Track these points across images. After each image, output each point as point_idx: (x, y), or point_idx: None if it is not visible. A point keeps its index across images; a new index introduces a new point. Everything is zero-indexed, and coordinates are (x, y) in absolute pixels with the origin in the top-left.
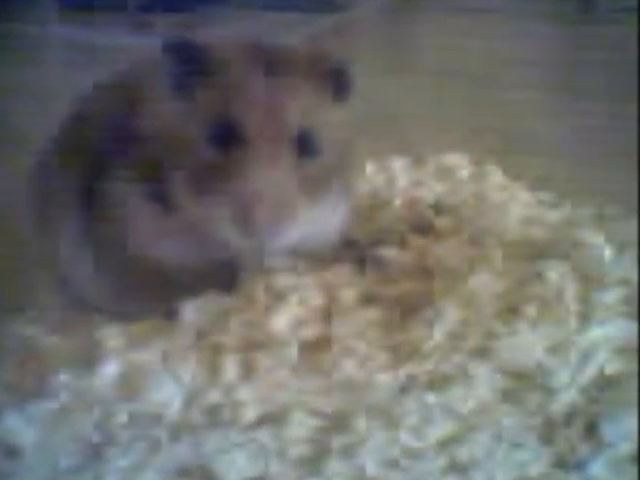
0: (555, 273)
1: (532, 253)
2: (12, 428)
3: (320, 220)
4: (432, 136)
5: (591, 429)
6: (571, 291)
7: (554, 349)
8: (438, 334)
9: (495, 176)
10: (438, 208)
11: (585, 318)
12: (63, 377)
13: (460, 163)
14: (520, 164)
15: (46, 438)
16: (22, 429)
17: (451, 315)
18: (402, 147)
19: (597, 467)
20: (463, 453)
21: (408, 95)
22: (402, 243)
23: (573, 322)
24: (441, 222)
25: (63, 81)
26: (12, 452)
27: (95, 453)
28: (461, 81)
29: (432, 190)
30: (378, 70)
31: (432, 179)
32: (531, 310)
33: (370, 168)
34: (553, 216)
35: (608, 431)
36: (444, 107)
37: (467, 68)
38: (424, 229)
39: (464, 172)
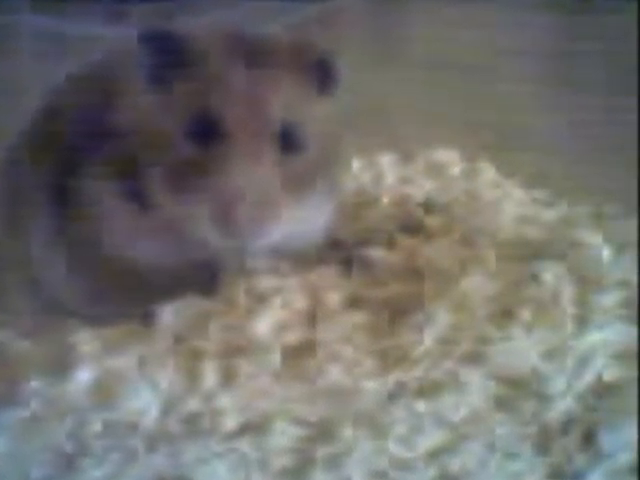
0: (551, 274)
1: (527, 254)
2: None
3: (304, 219)
4: (422, 131)
5: (589, 438)
6: (568, 293)
7: (550, 354)
8: (428, 339)
9: (488, 173)
10: (428, 206)
11: (582, 322)
12: (34, 384)
13: (451, 159)
14: (514, 160)
15: (16, 448)
16: None
17: (442, 319)
18: (390, 142)
19: (595, 478)
20: (455, 464)
21: (397, 88)
22: (390, 243)
23: (570, 326)
24: (431, 221)
25: (35, 73)
26: None
27: (68, 463)
28: (452, 73)
29: (422, 187)
30: (365, 62)
31: (422, 176)
32: (526, 313)
33: (357, 164)
34: (549, 215)
35: (607, 440)
36: (435, 101)
37: (459, 59)
38: (413, 228)
39: (455, 169)
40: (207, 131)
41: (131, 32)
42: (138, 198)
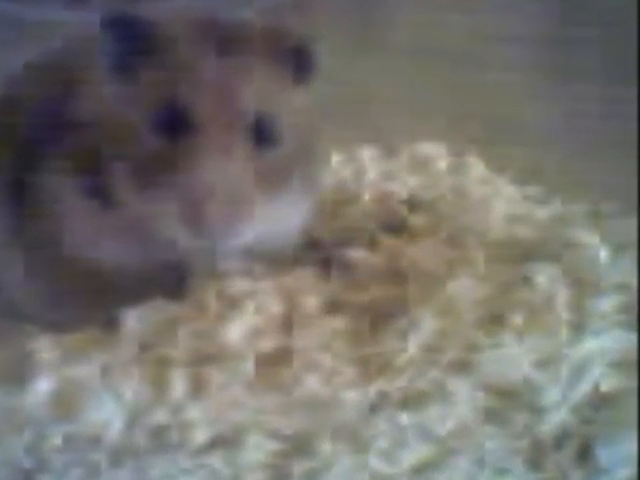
0: (544, 277)
1: (518, 255)
2: None
3: (280, 217)
4: (406, 123)
5: (585, 453)
6: (562, 297)
7: (543, 363)
8: (412, 346)
9: (476, 168)
10: (412, 204)
11: (578, 328)
12: None
13: (437, 153)
14: (505, 155)
15: None
16: None
17: (427, 325)
18: (372, 135)
19: None
20: (440, 479)
21: (379, 77)
22: (372, 243)
23: (564, 332)
24: (416, 220)
25: None
26: None
27: (27, 479)
28: (439, 61)
29: (406, 184)
30: (346, 48)
31: (406, 171)
32: (517, 319)
33: (336, 159)
34: (542, 213)
35: (604, 455)
36: (420, 90)
37: (446, 46)
38: (396, 228)
39: (442, 164)
40: (175, 123)
41: (93, 17)
42: (101, 195)
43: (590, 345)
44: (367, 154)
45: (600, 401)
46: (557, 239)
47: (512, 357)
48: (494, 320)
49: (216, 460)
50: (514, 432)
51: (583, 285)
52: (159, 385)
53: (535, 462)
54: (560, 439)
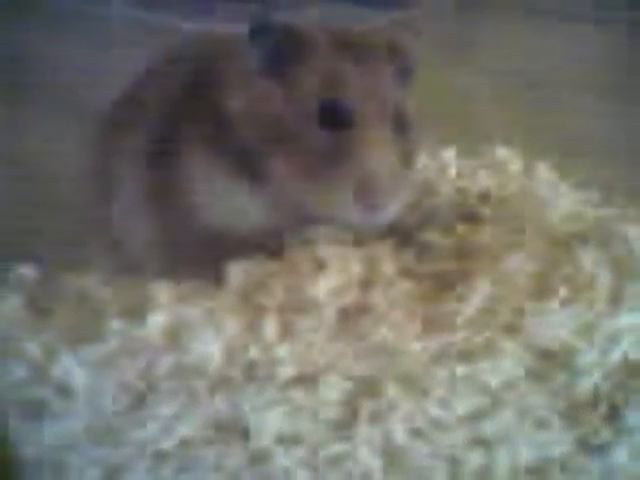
0: (590, 260)
1: (570, 242)
2: (66, 369)
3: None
4: (485, 130)
5: (614, 414)
6: (604, 278)
7: (581, 331)
8: (470, 308)
9: (544, 174)
10: (485, 199)
11: (615, 304)
12: (115, 323)
13: (511, 158)
14: (571, 164)
15: (96, 381)
16: (75, 370)
17: (483, 291)
18: (454, 138)
19: (619, 453)
20: (488, 428)
21: (464, 91)
22: (446, 229)
23: (602, 306)
24: (487, 212)
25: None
26: (66, 391)
27: (139, 400)
28: (518, 80)
29: (481, 181)
30: (438, 62)
31: (482, 170)
32: (562, 291)
33: (424, 156)
34: (597, 213)
35: (631, 417)
36: (502, 105)
37: (525, 67)
38: (470, 218)
39: (514, 167)
40: (339, 120)
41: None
42: (251, 176)
43: (623, 319)
44: (450, 154)
45: (629, 370)
46: (606, 232)
47: (555, 323)
48: (542, 291)
49: (298, 395)
50: (553, 390)
51: (623, 270)
52: (254, 328)
53: (571, 418)
54: (593, 400)
